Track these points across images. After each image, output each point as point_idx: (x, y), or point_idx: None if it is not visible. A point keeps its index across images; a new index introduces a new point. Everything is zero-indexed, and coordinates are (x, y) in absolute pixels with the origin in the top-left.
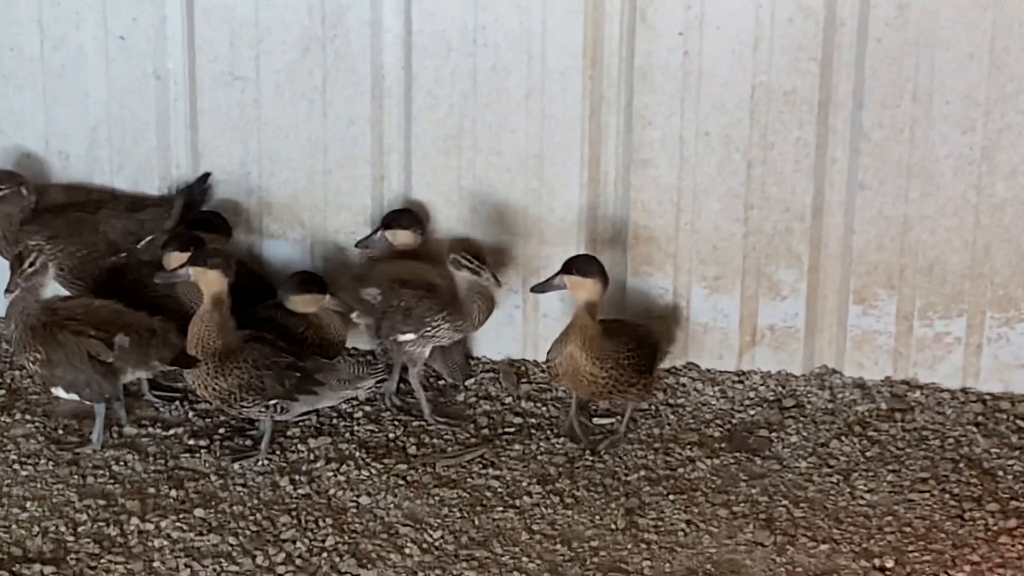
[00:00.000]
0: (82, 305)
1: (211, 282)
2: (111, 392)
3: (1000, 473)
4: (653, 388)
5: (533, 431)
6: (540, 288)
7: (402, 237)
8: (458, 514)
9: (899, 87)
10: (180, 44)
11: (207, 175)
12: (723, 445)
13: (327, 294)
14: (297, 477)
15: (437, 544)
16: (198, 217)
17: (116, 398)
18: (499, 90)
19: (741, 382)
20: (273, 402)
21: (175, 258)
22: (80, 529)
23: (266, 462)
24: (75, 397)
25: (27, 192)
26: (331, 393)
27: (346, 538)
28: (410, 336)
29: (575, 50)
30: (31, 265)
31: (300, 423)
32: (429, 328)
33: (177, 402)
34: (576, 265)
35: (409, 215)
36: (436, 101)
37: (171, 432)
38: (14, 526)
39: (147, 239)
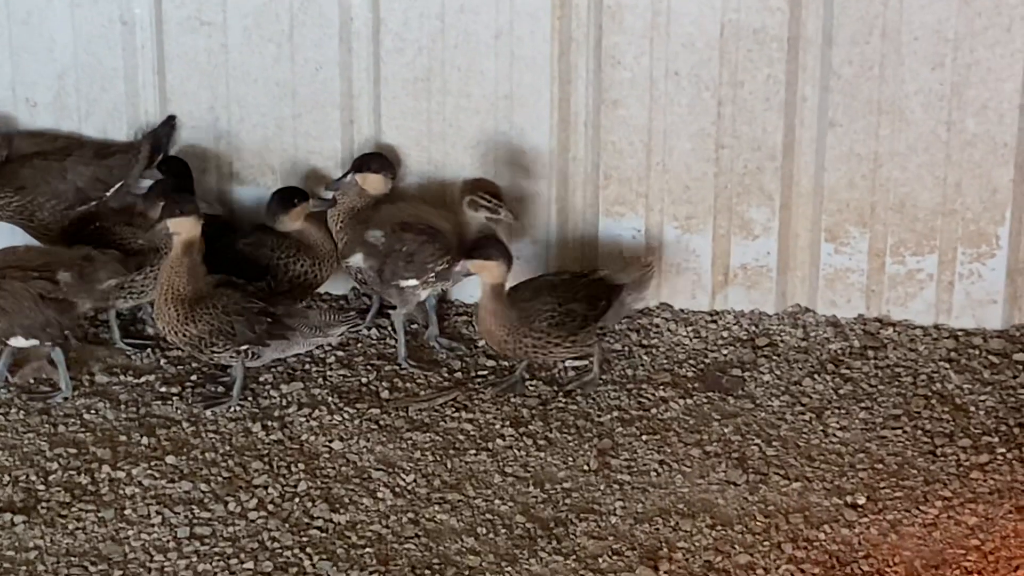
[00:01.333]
0: (8, 254)
1: (184, 227)
2: (70, 326)
3: (972, 409)
4: (592, 339)
5: (505, 373)
6: (454, 276)
7: (372, 181)
8: (431, 457)
9: (868, 23)
10: None
11: (172, 118)
12: (696, 385)
13: (309, 199)
14: (269, 423)
15: (410, 488)
16: (161, 163)
17: (75, 335)
18: (468, 32)
19: (714, 322)
20: (244, 348)
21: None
22: (51, 478)
23: (238, 408)
24: (35, 342)
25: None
26: (302, 340)
27: (318, 483)
28: (412, 282)
29: None
30: None
31: (272, 369)
32: (432, 274)
33: (148, 350)
34: (479, 248)
35: (380, 159)
36: (404, 44)
37: (142, 380)
38: None
39: (116, 186)
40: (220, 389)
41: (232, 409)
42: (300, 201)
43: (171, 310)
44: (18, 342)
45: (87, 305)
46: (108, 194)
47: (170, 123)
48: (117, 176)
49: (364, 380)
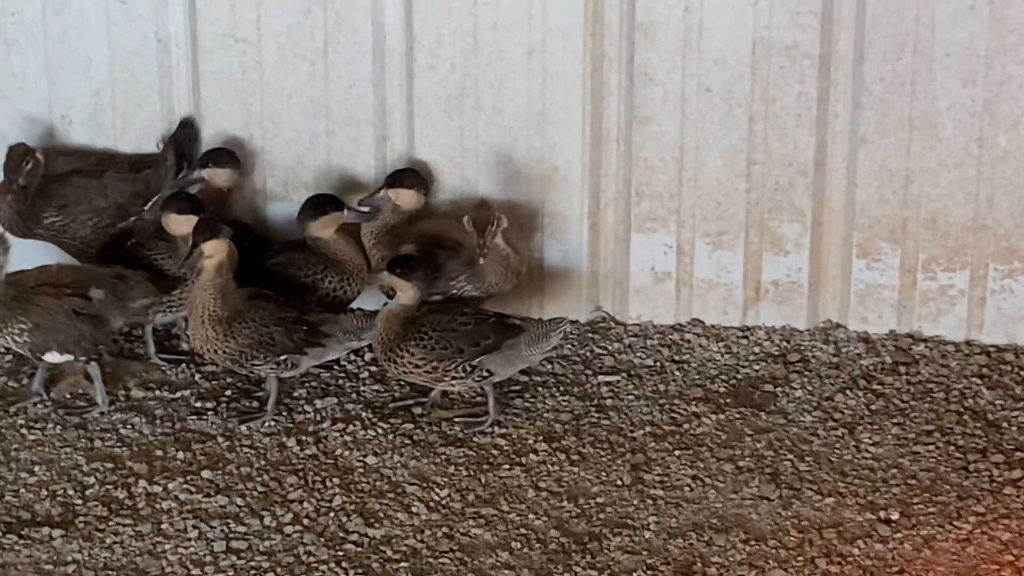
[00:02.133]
0: (42, 271)
1: (216, 251)
2: (104, 341)
3: (1004, 424)
4: (462, 375)
5: (539, 389)
6: (375, 282)
7: (406, 197)
8: (464, 472)
9: (900, 40)
10: (181, 7)
11: (189, 120)
12: (728, 400)
13: (343, 209)
14: (304, 438)
15: (444, 502)
16: (207, 153)
17: (109, 350)
18: (500, 49)
19: (746, 337)
20: (283, 357)
21: (174, 220)
22: (88, 492)
23: (273, 423)
24: (69, 357)
25: (43, 160)
26: (337, 345)
27: (353, 497)
28: (437, 297)
29: (576, 7)
30: None
31: (306, 384)
32: (454, 289)
33: (183, 365)
34: (400, 266)
35: (413, 175)
36: (438, 61)
37: (178, 395)
38: (22, 490)
39: (153, 200)
40: (255, 404)
41: (267, 424)
42: (332, 210)
43: (208, 330)
44: (53, 357)
45: (119, 322)
46: (147, 208)
47: (187, 125)
48: (153, 189)
49: (397, 395)
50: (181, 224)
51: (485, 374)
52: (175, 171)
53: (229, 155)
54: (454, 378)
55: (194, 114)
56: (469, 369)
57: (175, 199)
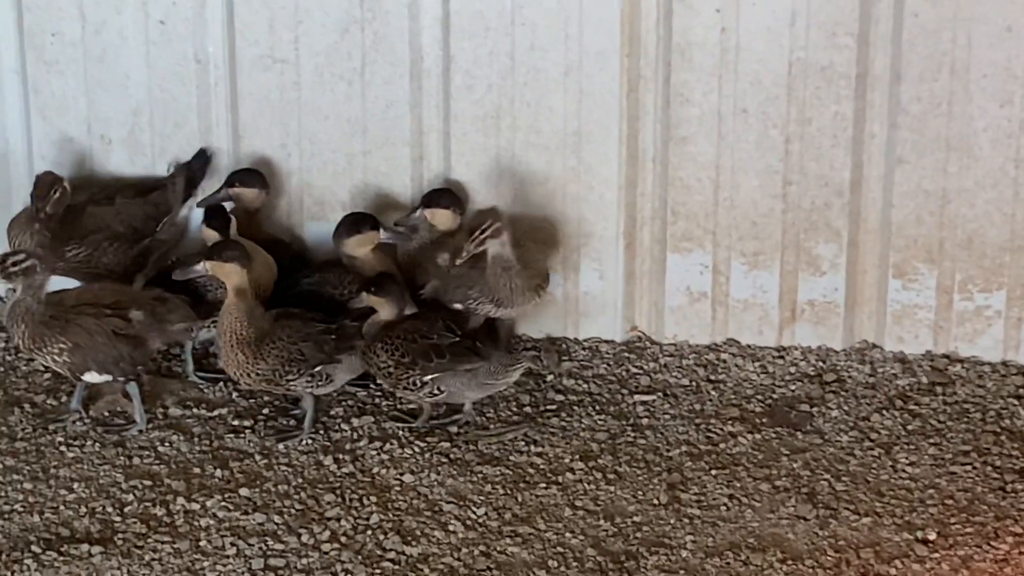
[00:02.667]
0: (84, 291)
1: (229, 274)
2: (143, 361)
3: None
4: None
5: (575, 408)
6: (355, 303)
7: (441, 217)
8: (501, 491)
9: (936, 61)
10: (220, 27)
11: (204, 151)
12: (764, 420)
13: (379, 229)
14: (341, 456)
15: (481, 521)
16: (236, 173)
17: (148, 371)
18: (537, 69)
19: (782, 357)
20: (317, 369)
21: (210, 235)
22: (127, 509)
23: (310, 441)
24: (108, 377)
25: (69, 189)
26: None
27: (390, 515)
28: (458, 307)
29: (612, 28)
30: (14, 264)
31: (343, 402)
32: (472, 301)
33: (221, 383)
34: (376, 285)
35: (449, 195)
36: (474, 81)
37: (215, 413)
38: (62, 507)
39: (163, 220)
40: (292, 422)
41: (304, 442)
42: (367, 229)
43: (238, 354)
44: (92, 377)
45: (158, 343)
46: (159, 229)
47: (203, 156)
48: (163, 211)
49: (434, 414)
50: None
51: (436, 392)
52: (183, 196)
53: (257, 175)
54: (405, 388)
55: (232, 134)
56: (420, 383)
57: (211, 216)
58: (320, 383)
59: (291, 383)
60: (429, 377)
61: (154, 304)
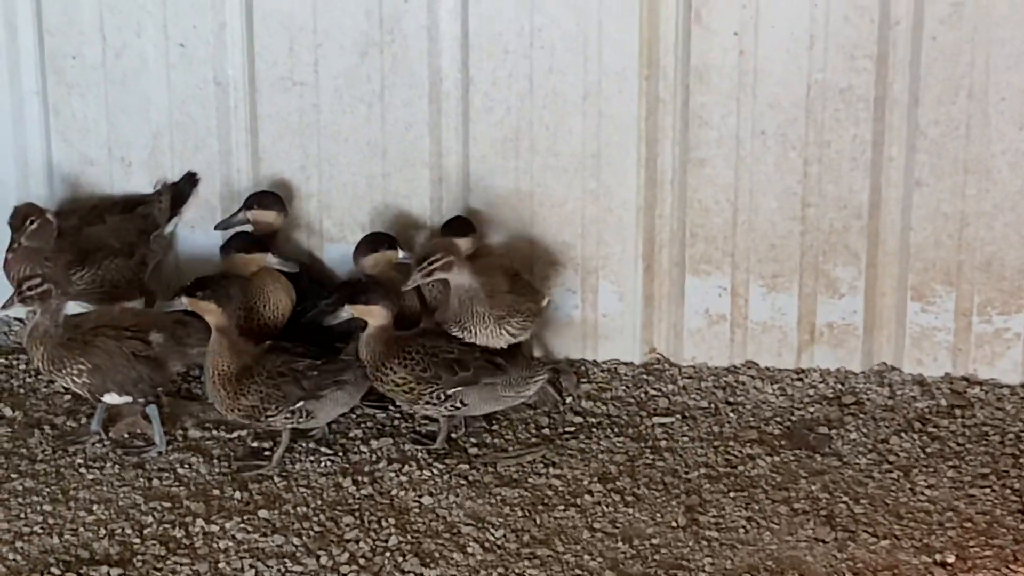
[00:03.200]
0: (103, 314)
1: (207, 312)
2: (162, 383)
3: None
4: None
5: (593, 430)
6: (330, 319)
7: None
8: (520, 513)
9: (955, 84)
10: (240, 50)
11: (193, 174)
12: (783, 442)
13: (397, 248)
14: (360, 478)
15: (499, 543)
16: (253, 195)
17: (167, 392)
18: (556, 92)
19: (800, 380)
20: (298, 406)
21: (240, 260)
22: (146, 531)
23: (329, 463)
24: (127, 399)
25: (53, 220)
26: (361, 385)
27: (409, 538)
28: (456, 332)
29: (631, 51)
30: (29, 288)
31: (362, 424)
32: (444, 325)
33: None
34: (362, 294)
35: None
36: (493, 103)
37: (235, 435)
38: (81, 529)
39: (154, 233)
40: (311, 444)
41: (271, 474)
42: (382, 248)
43: (220, 390)
44: (112, 398)
45: (178, 366)
46: (151, 241)
47: (191, 179)
48: (151, 225)
49: (453, 436)
50: (248, 264)
51: (459, 405)
52: (169, 214)
53: (274, 198)
54: (428, 403)
55: (252, 156)
56: (444, 397)
57: (238, 239)
58: (303, 418)
59: (271, 419)
60: (452, 391)
61: (174, 327)
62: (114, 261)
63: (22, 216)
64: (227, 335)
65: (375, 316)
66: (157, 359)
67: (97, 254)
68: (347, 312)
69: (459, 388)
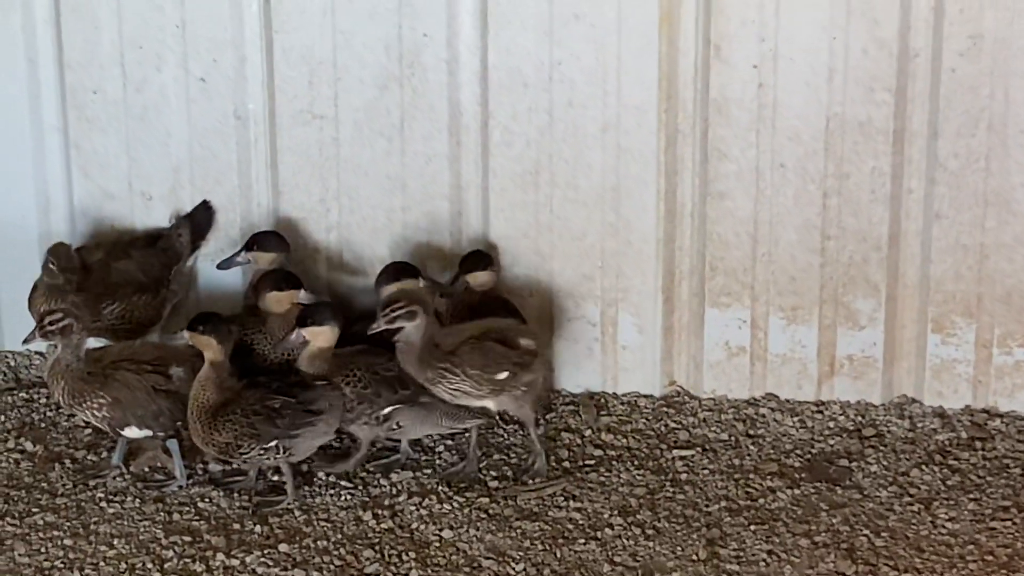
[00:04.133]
0: (124, 348)
1: (205, 346)
2: (182, 417)
3: None
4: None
5: (614, 463)
6: (281, 347)
7: (480, 278)
8: (540, 547)
9: (974, 116)
10: (260, 84)
11: (207, 203)
12: (803, 475)
13: (419, 278)
14: (380, 511)
15: None
16: (256, 236)
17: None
18: (575, 125)
19: (820, 412)
20: (272, 444)
21: (274, 298)
22: (167, 566)
23: (349, 497)
24: (148, 432)
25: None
26: (332, 419)
27: (429, 572)
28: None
29: (650, 84)
30: (51, 323)
31: (382, 458)
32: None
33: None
34: (310, 316)
35: (484, 256)
36: (513, 137)
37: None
38: (102, 563)
39: (175, 267)
40: (331, 477)
41: (289, 506)
42: (404, 276)
43: (196, 424)
44: (132, 432)
45: None
46: (171, 276)
47: (206, 207)
48: (173, 258)
49: (473, 470)
50: (281, 301)
51: (395, 427)
52: (191, 247)
53: (276, 239)
54: (365, 423)
55: (272, 190)
56: (381, 418)
57: (272, 277)
58: (280, 455)
59: (245, 456)
60: (391, 409)
61: (194, 361)
62: (142, 297)
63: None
64: (218, 371)
65: (324, 337)
66: (177, 393)
67: (126, 288)
68: (296, 335)
69: (397, 406)
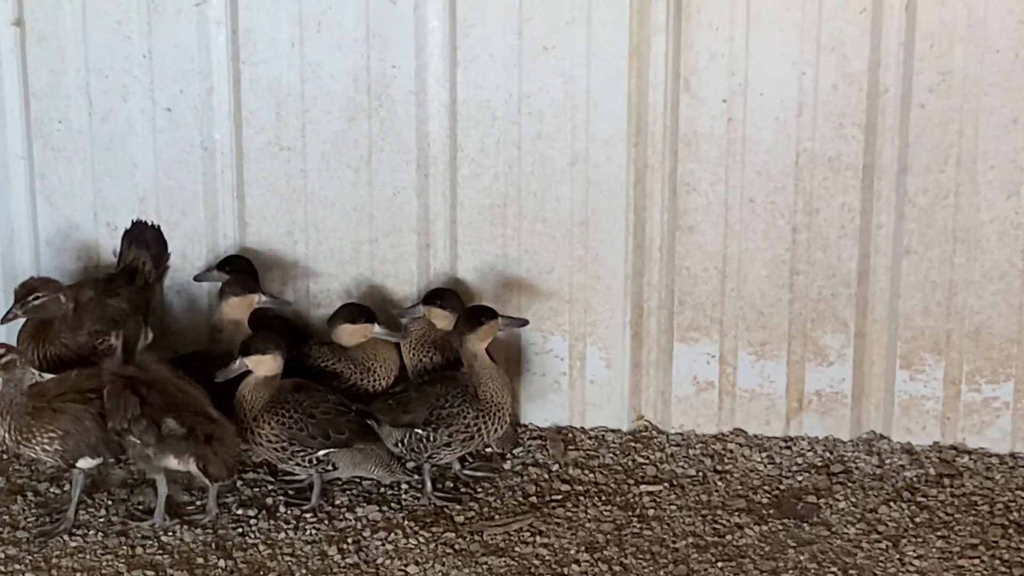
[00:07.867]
0: (62, 380)
1: (266, 366)
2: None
3: None
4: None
5: (581, 498)
6: (222, 374)
7: (438, 315)
8: None
9: (943, 152)
10: (227, 115)
11: (138, 222)
12: (771, 511)
13: (375, 323)
14: (345, 546)
15: None
16: (226, 262)
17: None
18: (544, 158)
19: (788, 448)
20: (323, 452)
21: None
22: None
23: (314, 532)
24: (100, 460)
25: (64, 299)
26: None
27: None
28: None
29: (619, 118)
30: None
31: (348, 491)
32: None
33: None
34: (253, 344)
35: (450, 296)
36: (481, 169)
37: (219, 502)
38: None
39: (152, 299)
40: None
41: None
42: (361, 321)
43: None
44: (86, 463)
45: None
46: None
47: (137, 223)
48: (150, 293)
49: (438, 504)
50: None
51: (330, 467)
52: (158, 273)
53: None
54: (298, 464)
55: (238, 222)
56: (315, 461)
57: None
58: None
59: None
60: (325, 453)
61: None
62: (135, 332)
63: (28, 289)
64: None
65: (267, 366)
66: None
67: (124, 322)
68: (239, 364)
69: (332, 451)
